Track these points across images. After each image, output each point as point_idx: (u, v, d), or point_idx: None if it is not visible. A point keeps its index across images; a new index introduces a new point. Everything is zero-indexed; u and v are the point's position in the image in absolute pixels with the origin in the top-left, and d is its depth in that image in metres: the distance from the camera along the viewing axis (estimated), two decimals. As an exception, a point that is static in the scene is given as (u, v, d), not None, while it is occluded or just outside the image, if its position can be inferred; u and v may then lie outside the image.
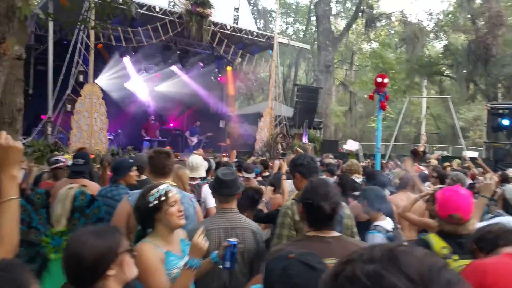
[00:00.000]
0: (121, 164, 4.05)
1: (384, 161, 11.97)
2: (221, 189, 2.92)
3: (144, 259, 2.13)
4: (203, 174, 4.69)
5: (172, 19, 14.09)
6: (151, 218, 2.32)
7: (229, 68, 18.42)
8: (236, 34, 15.64)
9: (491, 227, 2.22)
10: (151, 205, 2.28)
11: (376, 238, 3.26)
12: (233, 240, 2.33)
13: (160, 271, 2.19)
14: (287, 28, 37.28)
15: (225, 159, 12.70)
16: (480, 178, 6.96)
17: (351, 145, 17.78)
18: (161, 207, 2.29)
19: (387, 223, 3.45)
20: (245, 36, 15.91)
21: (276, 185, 4.41)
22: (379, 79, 6.01)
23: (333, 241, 2.14)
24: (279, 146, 15.81)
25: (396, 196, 4.76)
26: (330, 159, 11.04)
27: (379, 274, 0.73)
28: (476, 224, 2.90)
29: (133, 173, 4.02)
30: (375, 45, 33.85)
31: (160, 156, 3.16)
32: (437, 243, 2.43)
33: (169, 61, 16.75)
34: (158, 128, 16.63)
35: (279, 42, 16.97)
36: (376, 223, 3.45)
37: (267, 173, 7.09)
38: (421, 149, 13.15)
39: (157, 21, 13.84)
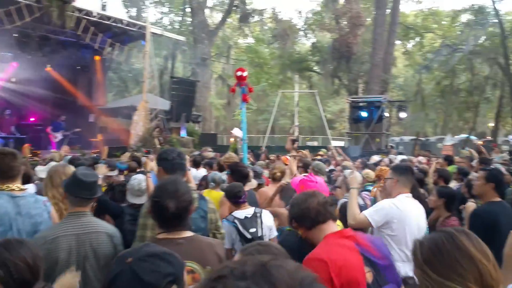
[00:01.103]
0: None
1: (263, 151, 12.42)
2: (79, 190, 2.65)
3: None
4: None
5: (29, 3, 12.65)
6: None
7: (97, 57, 17.24)
8: (104, 21, 14.68)
9: (309, 203, 2.14)
10: None
11: (223, 225, 3.49)
12: None
13: None
14: (162, 18, 36.31)
15: (95, 155, 11.93)
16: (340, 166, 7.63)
17: (236, 132, 18.39)
18: None
19: (242, 212, 3.68)
20: (114, 24, 15.01)
21: None
22: (239, 73, 6.13)
23: (185, 242, 2.05)
24: (156, 140, 15.34)
25: (268, 187, 5.01)
26: (209, 153, 11.04)
27: None
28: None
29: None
30: (250, 40, 34.84)
31: (5, 158, 2.75)
32: None
33: (27, 49, 15.05)
34: (14, 124, 14.88)
35: (152, 33, 16.37)
36: (233, 213, 3.70)
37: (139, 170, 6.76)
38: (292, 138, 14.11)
39: (11, 5, 12.31)
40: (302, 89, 34.00)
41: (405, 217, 3.04)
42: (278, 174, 5.02)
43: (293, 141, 14.72)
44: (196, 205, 2.85)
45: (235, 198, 3.76)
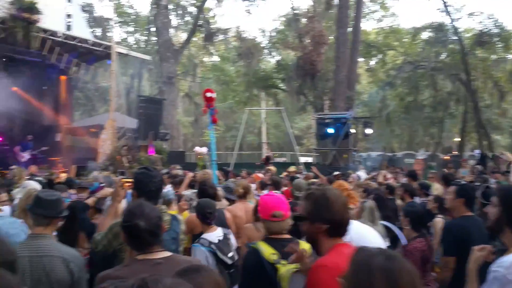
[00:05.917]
0: None
1: (230, 170, 12.49)
2: (37, 208, 2.65)
3: None
4: None
5: (-6, 24, 12.49)
6: None
7: (63, 77, 17.08)
8: (69, 41, 14.55)
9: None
10: None
11: (197, 251, 3.38)
12: None
13: None
14: (127, 37, 36.20)
15: (63, 175, 11.73)
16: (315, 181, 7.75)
17: (199, 150, 18.24)
18: None
19: (213, 235, 3.53)
20: (80, 44, 14.90)
21: None
22: (208, 94, 6.14)
23: (164, 261, 2.08)
24: (124, 159, 15.22)
25: (235, 205, 4.86)
26: (178, 170, 11.06)
27: None
28: None
29: None
30: (216, 58, 35.11)
31: None
32: (266, 250, 2.50)
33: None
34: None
35: (118, 52, 16.38)
36: (203, 235, 3.54)
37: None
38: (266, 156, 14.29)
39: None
40: (269, 106, 34.44)
41: None
42: (241, 190, 4.87)
43: (267, 158, 14.89)
44: (168, 226, 2.86)
45: (206, 218, 3.60)
